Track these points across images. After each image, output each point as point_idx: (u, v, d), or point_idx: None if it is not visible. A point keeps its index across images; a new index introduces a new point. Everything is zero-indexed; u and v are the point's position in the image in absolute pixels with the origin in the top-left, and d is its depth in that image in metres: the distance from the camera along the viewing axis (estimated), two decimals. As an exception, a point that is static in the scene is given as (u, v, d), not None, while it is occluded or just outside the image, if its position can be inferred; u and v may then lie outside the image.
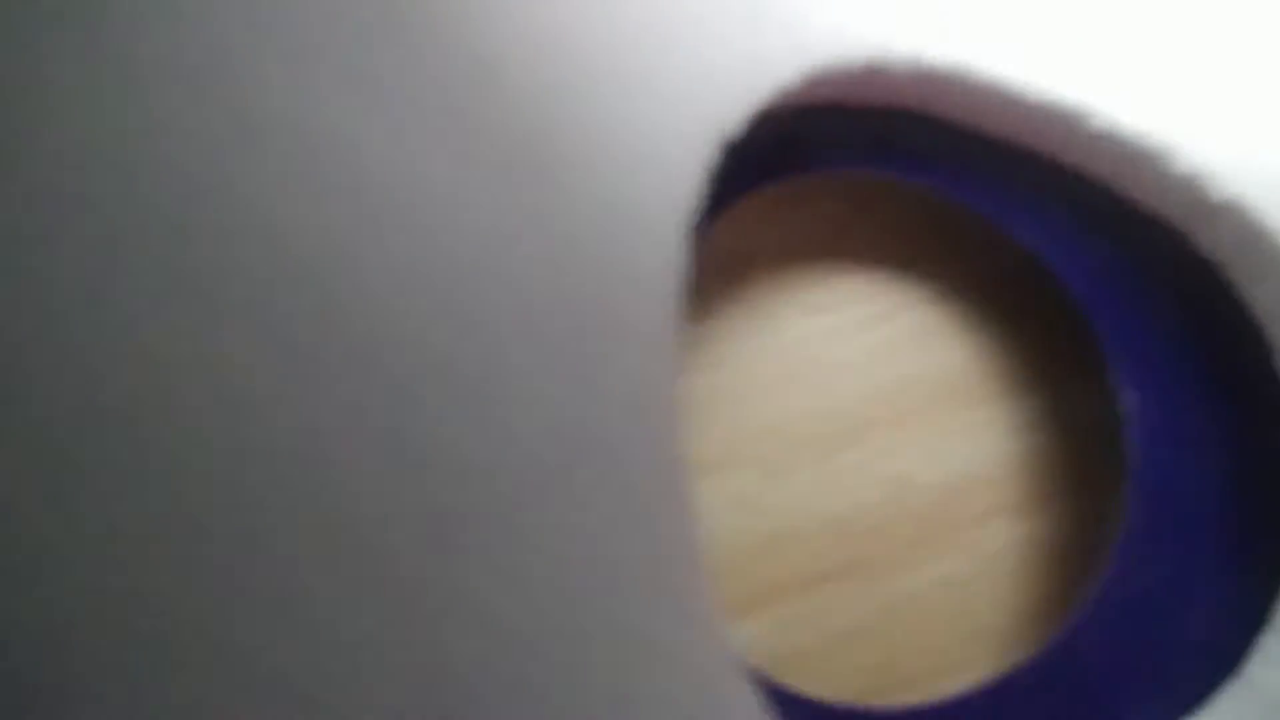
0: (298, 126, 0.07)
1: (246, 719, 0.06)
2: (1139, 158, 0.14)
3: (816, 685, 0.15)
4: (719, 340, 0.17)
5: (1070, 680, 0.14)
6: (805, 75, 0.13)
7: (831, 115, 0.15)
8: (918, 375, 0.17)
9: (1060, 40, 0.15)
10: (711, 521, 0.16)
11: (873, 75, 0.14)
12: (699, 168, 0.10)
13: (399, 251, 0.08)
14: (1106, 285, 0.15)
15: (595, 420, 0.08)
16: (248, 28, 0.07)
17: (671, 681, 0.07)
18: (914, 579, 0.16)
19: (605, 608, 0.07)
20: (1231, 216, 0.14)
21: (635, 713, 0.07)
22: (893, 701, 0.15)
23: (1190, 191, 0.14)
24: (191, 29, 0.07)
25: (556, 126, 0.09)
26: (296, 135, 0.07)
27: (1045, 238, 0.15)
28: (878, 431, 0.17)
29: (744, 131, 0.11)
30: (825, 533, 0.16)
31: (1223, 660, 0.13)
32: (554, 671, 0.07)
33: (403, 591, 0.07)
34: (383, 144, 0.08)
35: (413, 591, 0.07)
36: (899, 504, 0.17)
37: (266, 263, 0.07)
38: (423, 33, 0.09)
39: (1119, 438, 0.15)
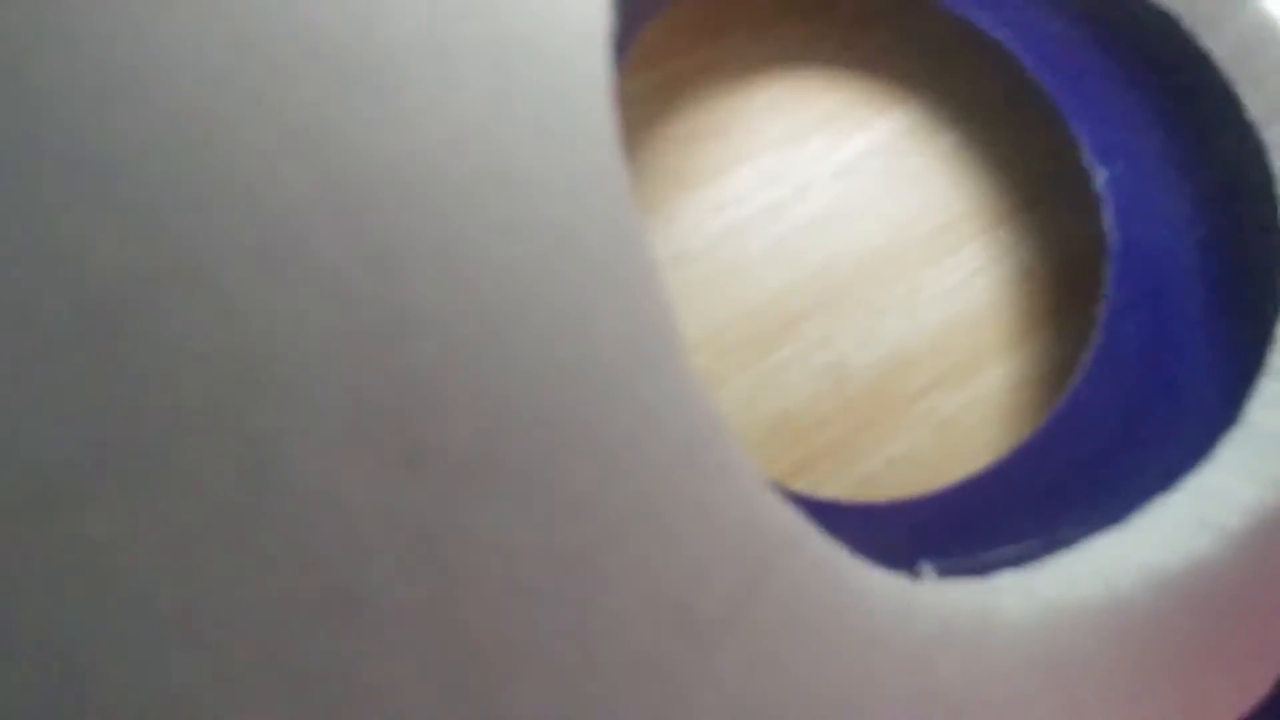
0: None
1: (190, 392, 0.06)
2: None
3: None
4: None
5: (1074, 448, 0.14)
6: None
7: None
8: (834, 257, 0.17)
9: None
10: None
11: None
12: None
13: None
14: (1066, 59, 0.15)
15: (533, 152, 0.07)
16: None
17: (642, 420, 0.07)
18: (867, 464, 0.16)
19: (560, 339, 0.07)
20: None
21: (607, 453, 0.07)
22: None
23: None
24: None
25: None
26: None
27: (995, 17, 0.14)
28: (808, 323, 0.17)
29: None
30: (772, 436, 0.16)
31: (1223, 410, 0.13)
32: (516, 397, 0.07)
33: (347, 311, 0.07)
34: None
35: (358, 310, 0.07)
36: (840, 393, 0.17)
37: None
38: None
39: (1063, 274, 0.14)
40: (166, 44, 0.07)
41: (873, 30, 0.18)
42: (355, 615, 0.07)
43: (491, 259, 0.07)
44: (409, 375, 0.07)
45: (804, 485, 0.16)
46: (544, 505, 0.07)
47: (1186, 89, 0.14)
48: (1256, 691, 0.11)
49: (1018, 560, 0.11)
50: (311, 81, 0.07)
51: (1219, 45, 0.13)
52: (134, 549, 0.06)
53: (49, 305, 0.06)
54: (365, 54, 0.07)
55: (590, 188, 0.08)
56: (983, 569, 0.11)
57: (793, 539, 0.08)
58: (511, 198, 0.08)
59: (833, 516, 0.11)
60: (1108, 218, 0.14)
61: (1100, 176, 0.14)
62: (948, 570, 0.11)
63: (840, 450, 0.16)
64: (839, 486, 0.16)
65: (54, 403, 0.06)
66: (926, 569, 0.10)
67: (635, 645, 0.07)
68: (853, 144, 0.18)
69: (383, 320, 0.07)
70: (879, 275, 0.17)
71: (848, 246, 0.17)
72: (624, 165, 0.08)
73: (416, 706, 0.07)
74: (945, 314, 0.17)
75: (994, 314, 0.17)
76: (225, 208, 0.07)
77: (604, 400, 0.08)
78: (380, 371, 0.07)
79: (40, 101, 0.07)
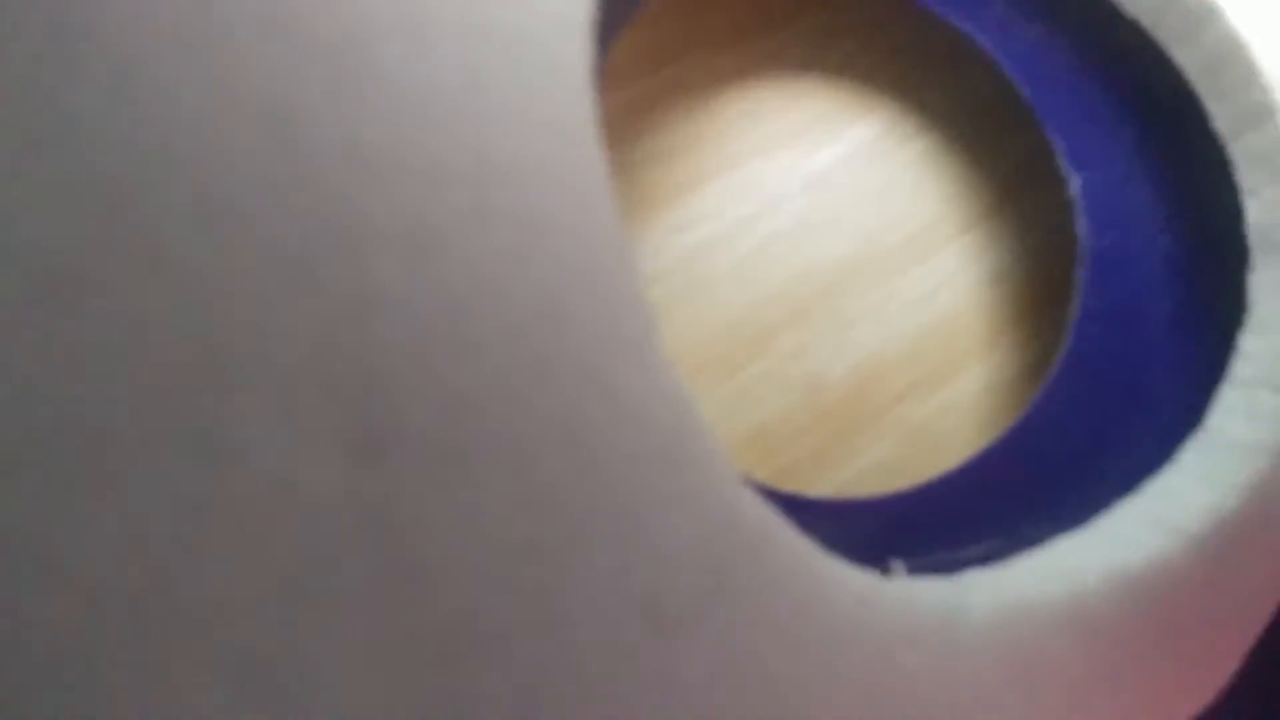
0: None
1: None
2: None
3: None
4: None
5: (1042, 450, 0.14)
6: None
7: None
8: (806, 269, 0.17)
9: None
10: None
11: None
12: None
13: None
14: (1041, 65, 0.15)
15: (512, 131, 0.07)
16: None
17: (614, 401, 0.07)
18: (844, 472, 0.16)
19: (541, 332, 0.07)
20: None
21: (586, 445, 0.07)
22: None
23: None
24: None
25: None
26: None
27: (978, 24, 0.15)
28: (781, 335, 0.17)
29: None
30: (750, 448, 0.16)
31: (1186, 416, 0.13)
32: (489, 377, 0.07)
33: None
34: None
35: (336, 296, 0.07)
36: (815, 403, 0.17)
37: None
38: None
39: (1032, 280, 0.15)
40: (121, 7, 0.07)
41: (839, 40, 0.18)
42: (309, 603, 0.07)
43: (461, 244, 0.07)
44: (370, 359, 0.07)
45: (782, 495, 0.16)
46: (509, 495, 0.07)
47: (1157, 100, 0.15)
48: (1212, 689, 0.12)
49: (985, 559, 0.12)
50: (276, 55, 0.07)
51: (1188, 58, 0.14)
52: (76, 533, 0.06)
53: None
54: (334, 30, 0.07)
55: (567, 175, 0.08)
56: (951, 567, 0.11)
57: (763, 533, 0.08)
58: (484, 183, 0.07)
59: (805, 513, 0.11)
60: (1079, 224, 0.14)
61: (1073, 182, 0.14)
62: (917, 568, 0.11)
63: (817, 459, 0.16)
64: (817, 495, 0.16)
65: None
66: (897, 566, 0.11)
67: (601, 638, 0.07)
68: (821, 156, 0.18)
69: (344, 302, 0.07)
70: (850, 285, 0.17)
71: (818, 258, 0.17)
72: (604, 154, 0.08)
73: (372, 695, 0.07)
74: (918, 321, 0.17)
75: (967, 319, 0.17)
76: (181, 182, 0.07)
77: (574, 389, 0.08)
78: (340, 354, 0.07)
79: None
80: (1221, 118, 0.13)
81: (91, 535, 0.06)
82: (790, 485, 0.16)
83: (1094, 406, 0.14)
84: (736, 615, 0.08)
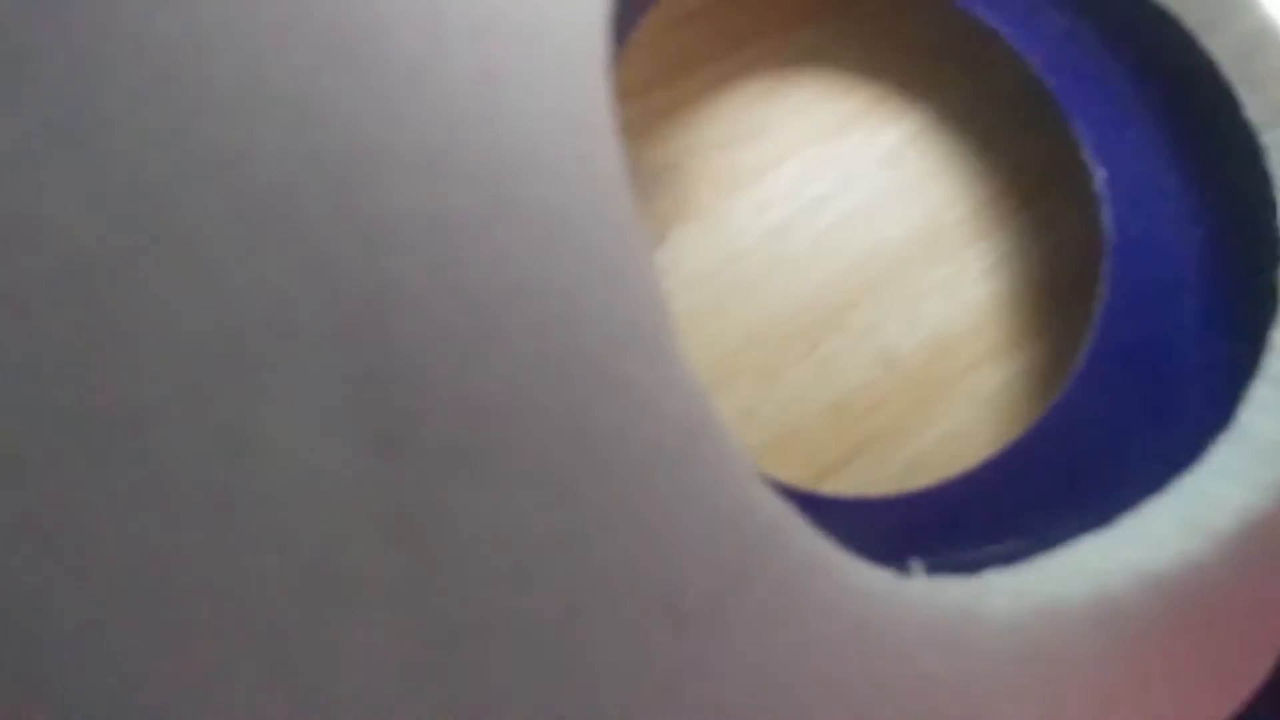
0: None
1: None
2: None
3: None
4: (675, 261, 0.17)
5: (1067, 448, 0.14)
6: None
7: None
8: (877, 245, 0.17)
9: None
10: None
11: None
12: None
13: None
14: (1069, 57, 0.14)
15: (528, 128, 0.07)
16: None
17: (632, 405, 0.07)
18: (919, 443, 0.17)
19: (555, 327, 0.07)
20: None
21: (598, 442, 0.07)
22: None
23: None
24: None
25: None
26: None
27: (1003, 15, 0.14)
28: (855, 311, 0.17)
29: None
30: (828, 424, 0.17)
31: (1216, 414, 0.13)
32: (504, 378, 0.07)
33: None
34: None
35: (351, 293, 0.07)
36: (890, 376, 0.17)
37: None
38: None
39: (1088, 256, 0.15)
40: (152, 8, 0.07)
41: (896, 27, 0.18)
42: (332, 595, 0.07)
43: (480, 240, 0.07)
44: (393, 354, 0.07)
45: (859, 468, 0.17)
46: (528, 491, 0.07)
47: (1187, 90, 0.14)
48: (1241, 693, 0.11)
49: (1007, 559, 0.11)
50: (300, 51, 0.07)
51: (1219, 47, 0.13)
52: (104, 525, 0.06)
53: (22, 269, 0.06)
54: (356, 26, 0.07)
55: (583, 170, 0.08)
56: (972, 567, 0.11)
57: (780, 531, 0.08)
58: (500, 180, 0.08)
59: (824, 511, 0.11)
60: (1106, 217, 0.14)
61: (1099, 176, 0.14)
62: (937, 568, 0.11)
63: (894, 430, 0.17)
64: (892, 466, 0.17)
65: (24, 370, 0.06)
66: (915, 566, 0.10)
67: (619, 633, 0.07)
68: (888, 136, 0.18)
69: (367, 297, 0.07)
70: (920, 260, 0.17)
71: (888, 234, 0.18)
72: (619, 149, 0.08)
73: (392, 684, 0.07)
74: (985, 293, 0.18)
75: (1031, 292, 0.18)
76: (208, 177, 0.07)
77: (592, 387, 0.08)
78: (361, 350, 0.07)
79: (19, 63, 0.07)
80: (1254, 107, 0.13)
81: (122, 523, 0.06)
82: (867, 458, 0.17)
83: (1121, 403, 0.14)
84: (754, 612, 0.08)
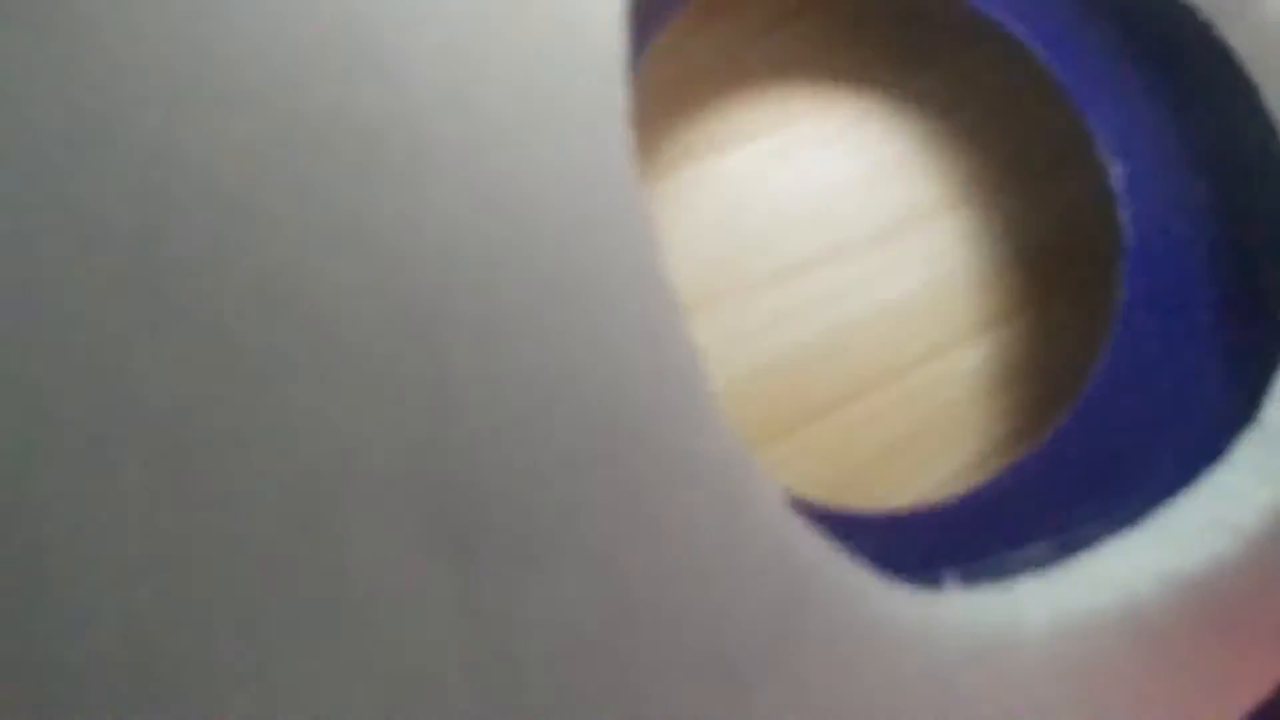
0: None
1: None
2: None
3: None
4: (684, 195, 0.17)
5: (1090, 448, 0.14)
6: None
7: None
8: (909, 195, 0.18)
9: None
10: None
11: None
12: None
13: None
14: (1080, 50, 0.14)
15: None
16: None
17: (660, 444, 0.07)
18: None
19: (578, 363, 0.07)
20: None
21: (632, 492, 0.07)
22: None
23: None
24: None
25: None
26: None
27: (1014, 10, 0.14)
28: (871, 254, 0.18)
29: None
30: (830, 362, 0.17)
31: (1239, 410, 0.13)
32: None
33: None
34: None
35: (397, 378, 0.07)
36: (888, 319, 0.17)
37: None
38: None
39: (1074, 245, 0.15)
40: (210, 135, 0.07)
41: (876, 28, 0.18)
42: (417, 698, 0.07)
43: (527, 325, 0.07)
44: (454, 456, 0.07)
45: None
46: (588, 574, 0.07)
47: (1204, 83, 0.14)
48: (1268, 688, 0.12)
49: (1037, 563, 0.12)
50: (347, 160, 0.07)
51: (1239, 39, 0.13)
52: (219, 682, 0.06)
53: (115, 436, 0.06)
54: (396, 124, 0.07)
55: (617, 241, 0.08)
56: (1004, 572, 0.11)
57: (818, 572, 0.08)
58: (540, 260, 0.08)
59: (853, 530, 0.11)
60: (1122, 214, 0.14)
61: (1116, 171, 0.14)
62: (969, 576, 0.11)
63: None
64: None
65: (115, 535, 0.06)
66: (950, 578, 0.11)
67: (678, 697, 0.07)
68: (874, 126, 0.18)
69: (429, 401, 0.07)
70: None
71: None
72: (647, 215, 0.08)
73: None
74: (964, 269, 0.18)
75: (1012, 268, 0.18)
76: (279, 314, 0.07)
77: (639, 464, 0.08)
78: (427, 454, 0.07)
79: (89, 214, 0.07)
80: (1273, 99, 0.13)
81: (240, 683, 0.06)
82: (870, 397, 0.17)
83: (1142, 400, 0.14)
84: (803, 658, 0.08)
